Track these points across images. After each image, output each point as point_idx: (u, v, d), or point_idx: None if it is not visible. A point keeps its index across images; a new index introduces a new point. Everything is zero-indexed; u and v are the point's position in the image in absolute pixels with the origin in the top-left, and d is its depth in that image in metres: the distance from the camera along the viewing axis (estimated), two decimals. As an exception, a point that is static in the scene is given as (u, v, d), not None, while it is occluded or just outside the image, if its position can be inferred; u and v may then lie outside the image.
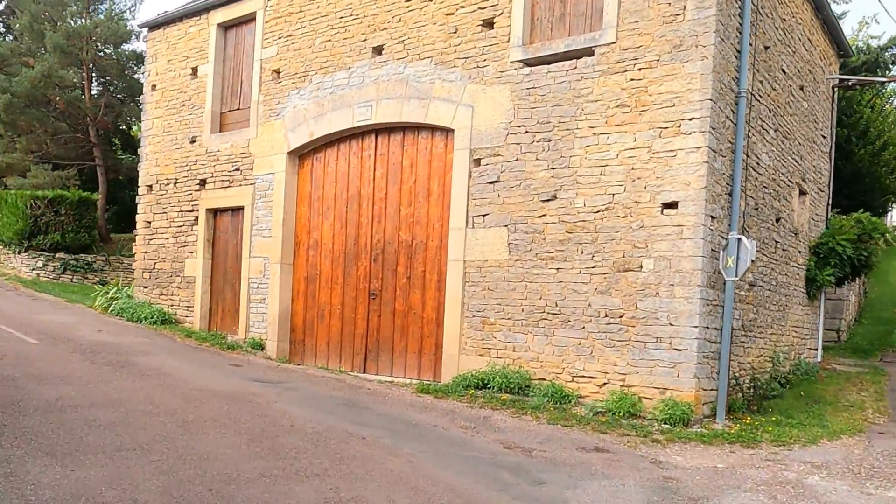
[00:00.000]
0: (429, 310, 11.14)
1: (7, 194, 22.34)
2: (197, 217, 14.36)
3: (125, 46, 24.28)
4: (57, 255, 21.42)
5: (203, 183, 14.27)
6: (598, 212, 9.30)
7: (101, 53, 23.68)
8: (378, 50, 11.62)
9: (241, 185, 13.54)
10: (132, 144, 29.36)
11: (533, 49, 9.91)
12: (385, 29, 11.52)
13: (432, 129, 11.16)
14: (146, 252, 15.48)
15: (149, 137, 15.58)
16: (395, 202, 11.59)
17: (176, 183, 14.83)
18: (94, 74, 24.41)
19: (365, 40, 11.76)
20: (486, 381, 9.90)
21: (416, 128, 11.38)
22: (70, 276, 21.49)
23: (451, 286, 10.64)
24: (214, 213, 14.25)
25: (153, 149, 15.43)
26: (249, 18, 13.71)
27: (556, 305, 9.59)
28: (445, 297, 10.76)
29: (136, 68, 24.51)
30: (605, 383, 9.19)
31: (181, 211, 14.71)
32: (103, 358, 9.99)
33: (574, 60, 9.54)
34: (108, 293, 16.06)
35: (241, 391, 8.71)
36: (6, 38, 27.15)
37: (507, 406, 9.09)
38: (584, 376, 9.35)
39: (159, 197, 15.21)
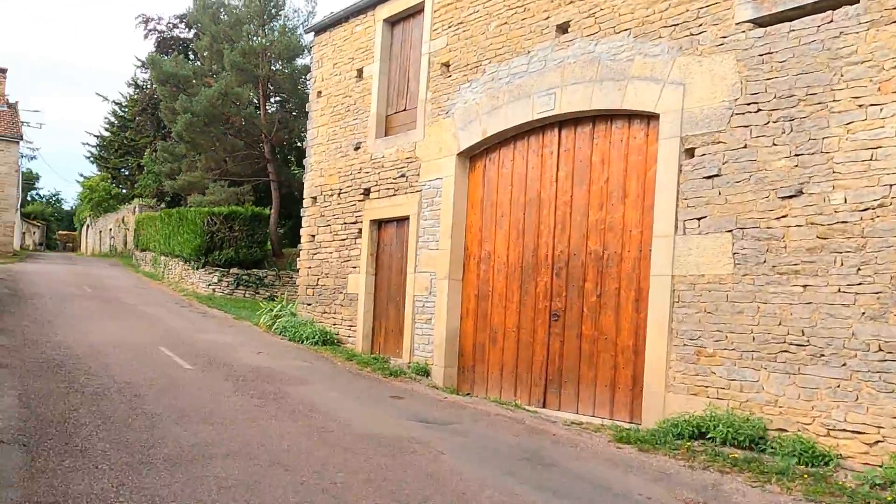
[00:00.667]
0: (624, 335, 9.14)
1: (187, 211, 22.95)
2: (360, 229, 13.31)
3: (298, 61, 24.35)
4: (231, 271, 21.57)
5: (367, 192, 13.20)
6: (865, 210, 6.90)
7: (276, 69, 23.87)
8: (563, 28, 9.87)
9: (406, 192, 12.29)
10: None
11: (768, 4, 7.71)
12: (571, 2, 9.76)
13: (629, 116, 9.21)
14: (310, 267, 14.70)
15: (313, 147, 14.85)
16: (581, 206, 9.74)
17: (340, 193, 13.91)
18: (269, 90, 24.67)
19: (547, 18, 10.06)
20: (703, 430, 7.72)
21: (609, 116, 9.48)
22: (243, 291, 21.55)
23: (654, 307, 8.59)
24: (378, 224, 13.13)
25: (317, 158, 14.67)
26: (417, 10, 12.50)
27: (803, 334, 7.26)
28: (646, 319, 8.71)
29: (308, 82, 24.51)
30: (877, 441, 6.74)
31: (345, 223, 13.74)
32: (255, 388, 8.94)
33: (829, 12, 7.24)
34: (272, 310, 15.47)
35: (403, 436, 7.19)
36: (191, 61, 28.41)
37: (741, 468, 6.88)
38: (844, 430, 6.94)
39: (323, 209, 14.38)
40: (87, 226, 52.91)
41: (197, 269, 22.19)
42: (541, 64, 10.11)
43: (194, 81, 23.84)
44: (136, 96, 48.88)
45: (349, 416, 7.90)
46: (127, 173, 57.39)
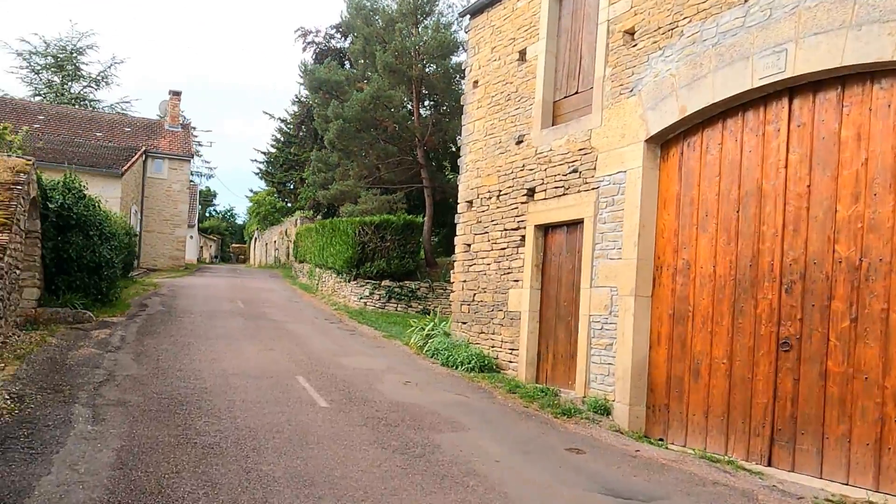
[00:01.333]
0: (895, 375, 6.53)
1: (339, 222, 22.11)
2: (523, 236, 11.36)
3: (452, 59, 22.89)
4: (382, 283, 20.39)
5: (531, 192, 11.23)
6: None
7: (429, 70, 22.57)
8: (797, -39, 7.41)
9: (579, 191, 10.18)
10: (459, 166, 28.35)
11: None
12: (810, -75, 7.28)
13: (904, 71, 6.60)
14: (464, 281, 12.93)
15: (469, 144, 13.11)
16: (825, 199, 7.20)
17: (499, 195, 12.04)
18: (422, 91, 23.42)
19: (773, -49, 7.63)
20: None
21: (869, 75, 6.90)
22: (394, 305, 20.29)
23: (953, 342, 5.93)
24: (545, 229, 11.11)
25: (474, 157, 12.90)
26: (590, -28, 10.43)
27: None
28: (938, 359, 6.07)
29: (462, 82, 23.01)
30: None
31: (504, 230, 11.85)
32: (398, 437, 7.18)
33: None
34: (423, 329, 13.86)
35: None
36: (344, 68, 27.90)
37: None
38: None
39: (480, 214, 12.57)
40: (255, 238, 55.06)
41: (348, 281, 21.23)
42: (764, 13, 7.67)
43: (346, 87, 23.06)
44: (298, 111, 50.17)
45: (517, 486, 5.91)
46: (291, 187, 59.45)
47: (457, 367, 11.71)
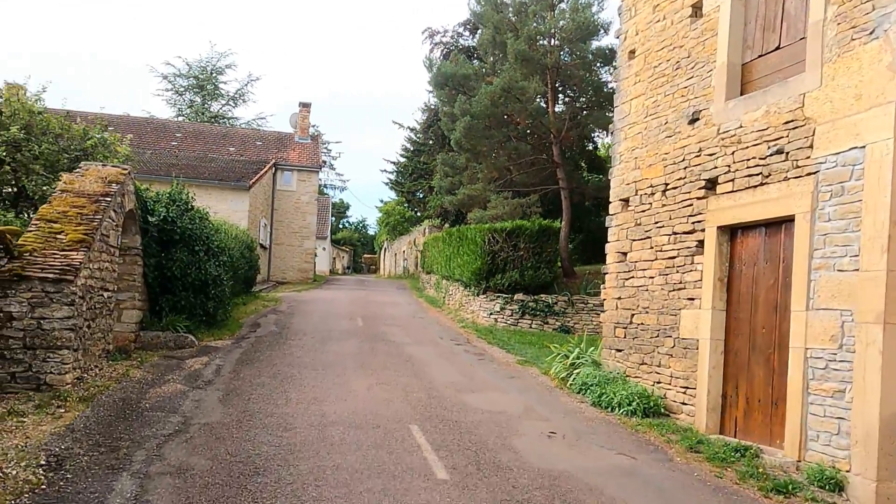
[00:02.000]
0: None
1: (467, 230, 20.07)
2: (700, 241, 8.72)
3: (592, 43, 20.30)
4: (515, 297, 18.10)
5: (711, 184, 8.58)
6: None
7: (565, 58, 20.08)
8: None
9: (785, 178, 7.45)
10: (597, 164, 25.58)
11: None
12: None
13: None
14: (619, 298, 10.42)
15: (623, 129, 10.60)
16: None
17: (665, 190, 9.46)
18: (557, 82, 20.96)
19: None
20: None
21: None
22: (528, 321, 17.94)
23: None
24: (731, 232, 8.42)
25: (630, 144, 10.38)
26: None
27: None
28: None
29: (602, 71, 20.39)
30: None
31: (673, 233, 9.25)
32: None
33: None
34: (567, 356, 11.43)
35: None
36: (471, 60, 25.91)
37: None
38: None
39: (639, 215, 10.03)
40: (385, 249, 54.38)
41: (477, 294, 19.11)
42: None
43: (474, 82, 20.99)
44: (425, 119, 49.20)
45: None
46: (420, 196, 58.63)
47: (613, 410, 9.22)
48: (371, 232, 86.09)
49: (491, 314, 18.30)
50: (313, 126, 50.21)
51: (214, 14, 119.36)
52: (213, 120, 49.72)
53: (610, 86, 21.24)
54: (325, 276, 51.79)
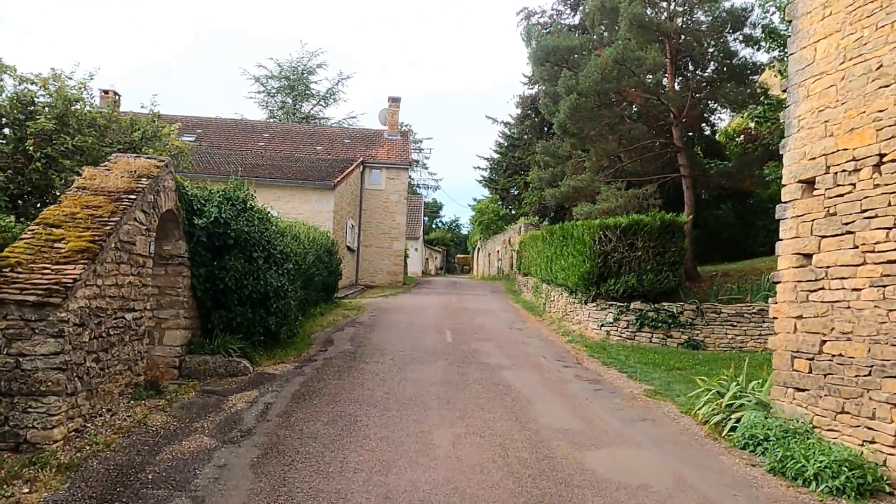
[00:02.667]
0: None
1: (572, 227, 17.31)
2: (946, 238, 5.77)
3: (724, 2, 17.08)
4: (631, 306, 15.25)
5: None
6: None
7: (686, 25, 16.98)
8: None
9: None
10: (715, 150, 22.20)
11: None
12: None
13: None
14: (799, 318, 7.52)
15: (805, 84, 7.68)
16: None
17: (880, 164, 6.52)
18: (679, 52, 17.85)
19: None
20: None
21: None
22: (648, 335, 15.06)
23: None
24: None
25: (816, 103, 7.46)
26: None
27: None
28: None
29: (731, 36, 17.15)
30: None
31: (895, 226, 6.33)
32: None
33: None
34: (720, 393, 8.58)
35: None
36: (575, 33, 23.03)
37: None
38: None
39: (833, 201, 7.11)
40: (478, 248, 51.93)
41: (585, 302, 16.36)
42: None
43: (579, 58, 18.14)
44: (520, 113, 46.67)
45: None
46: (515, 192, 56.01)
47: (804, 483, 6.38)
48: (464, 231, 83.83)
49: (602, 326, 15.51)
50: (404, 124, 48.46)
51: (303, 13, 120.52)
52: (303, 121, 48.79)
53: (742, 55, 17.99)
54: (417, 277, 49.90)
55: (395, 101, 35.67)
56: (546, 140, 23.30)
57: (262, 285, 11.09)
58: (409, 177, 40.05)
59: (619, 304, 15.39)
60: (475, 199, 56.63)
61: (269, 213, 12.48)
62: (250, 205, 11.70)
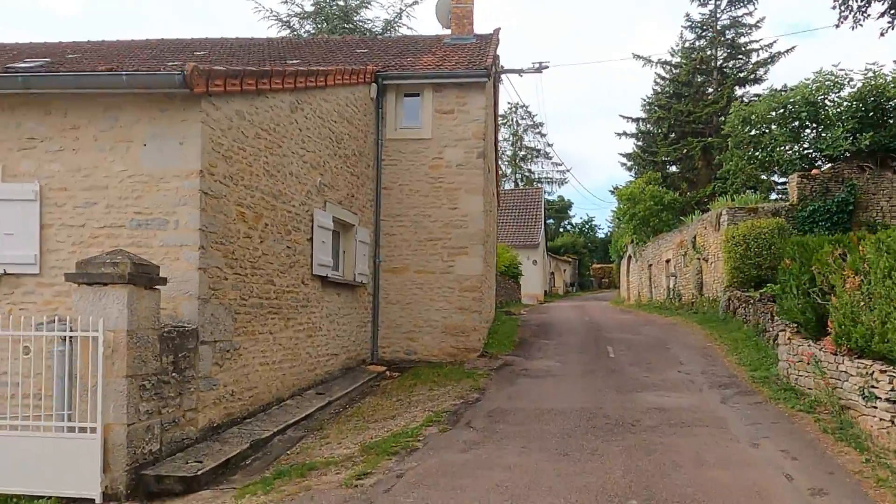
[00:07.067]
0: None
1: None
2: None
3: None
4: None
5: None
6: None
7: None
8: None
9: None
10: None
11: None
12: None
13: None
14: None
15: None
16: None
17: None
18: None
19: None
20: None
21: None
22: None
23: None
24: None
25: None
26: None
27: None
28: None
29: None
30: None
31: None
32: None
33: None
34: None
35: None
36: None
37: None
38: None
39: None
40: (629, 256, 32.51)
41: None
42: None
43: None
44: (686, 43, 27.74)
45: None
46: (681, 170, 36.50)
47: None
48: (600, 235, 63.78)
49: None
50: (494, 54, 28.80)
51: None
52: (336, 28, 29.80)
53: None
54: (535, 304, 31.52)
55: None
56: None
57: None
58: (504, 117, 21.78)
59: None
60: (615, 187, 37.08)
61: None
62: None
